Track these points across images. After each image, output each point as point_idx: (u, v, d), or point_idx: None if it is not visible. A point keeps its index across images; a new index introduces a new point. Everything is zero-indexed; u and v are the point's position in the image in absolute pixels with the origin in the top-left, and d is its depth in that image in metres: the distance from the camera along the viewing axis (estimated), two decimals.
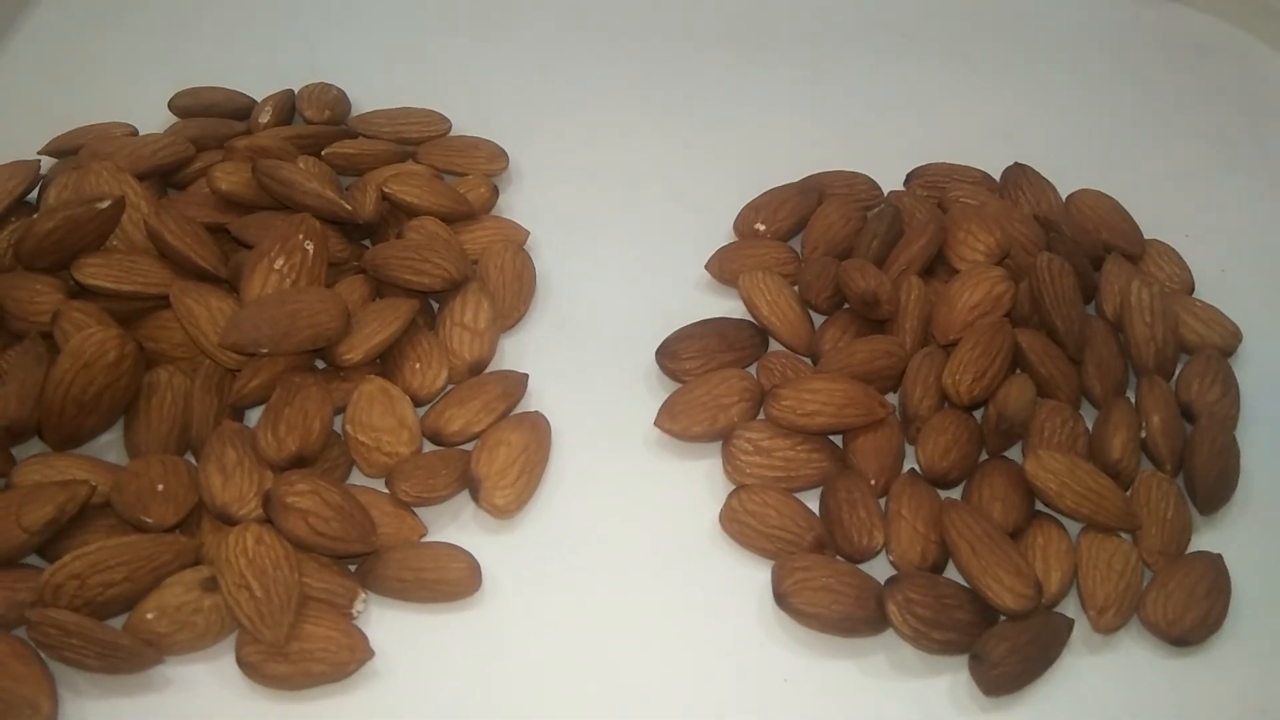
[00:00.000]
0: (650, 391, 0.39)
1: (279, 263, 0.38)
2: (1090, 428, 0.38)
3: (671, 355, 0.39)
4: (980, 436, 0.37)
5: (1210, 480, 0.36)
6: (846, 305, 0.40)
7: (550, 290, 0.42)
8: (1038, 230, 0.41)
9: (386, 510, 0.35)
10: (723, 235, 0.44)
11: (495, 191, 0.44)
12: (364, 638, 0.33)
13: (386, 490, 0.36)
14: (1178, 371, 0.39)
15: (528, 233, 0.43)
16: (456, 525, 0.36)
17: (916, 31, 0.53)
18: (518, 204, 0.45)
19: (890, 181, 0.45)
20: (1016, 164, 0.45)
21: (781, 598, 0.34)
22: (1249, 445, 0.38)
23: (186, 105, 0.46)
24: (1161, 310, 0.39)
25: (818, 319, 0.41)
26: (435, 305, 0.41)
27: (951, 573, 0.35)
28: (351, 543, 0.34)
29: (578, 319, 0.41)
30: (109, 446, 0.37)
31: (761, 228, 0.43)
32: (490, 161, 0.45)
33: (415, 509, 0.36)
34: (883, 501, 0.36)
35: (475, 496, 0.36)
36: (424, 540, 0.35)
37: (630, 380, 0.40)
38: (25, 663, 0.31)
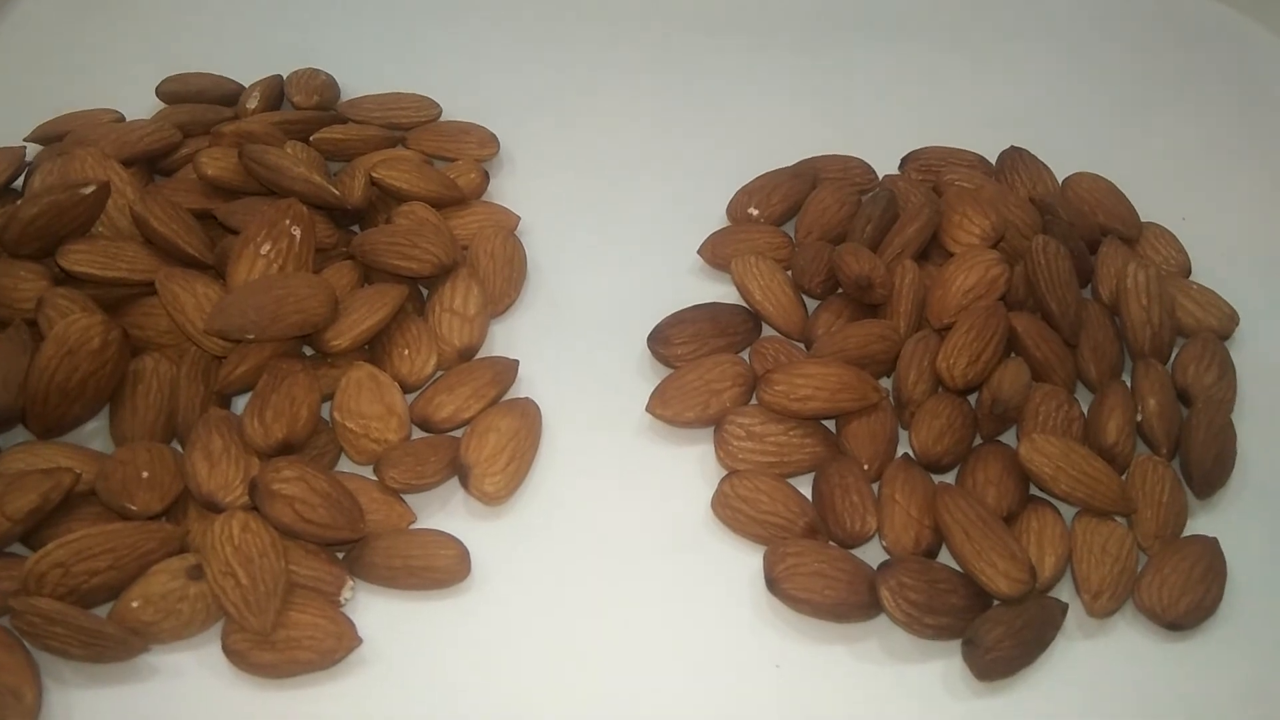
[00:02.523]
0: (642, 377, 0.39)
1: (266, 248, 0.37)
2: (1085, 412, 0.37)
3: (663, 340, 0.39)
4: (974, 421, 0.37)
5: (1206, 464, 0.36)
6: (840, 290, 0.40)
7: (541, 276, 0.42)
8: (1033, 213, 0.41)
9: (375, 497, 0.35)
10: (715, 220, 0.44)
11: (486, 177, 0.44)
12: (352, 625, 0.32)
13: (375, 477, 0.36)
14: (1174, 355, 0.39)
15: (518, 218, 0.43)
16: (446, 512, 0.36)
17: (912, 14, 0.53)
18: (508, 189, 0.45)
19: (885, 165, 0.45)
20: (1012, 147, 0.45)
21: (773, 583, 0.33)
22: (1245, 428, 0.37)
23: (174, 91, 0.46)
24: (1158, 293, 0.39)
25: (811, 304, 0.40)
26: (424, 291, 0.40)
27: (945, 558, 0.34)
28: (339, 530, 0.33)
29: (569, 304, 0.41)
30: (94, 434, 0.37)
31: (755, 212, 0.43)
32: (481, 147, 0.45)
33: (404, 496, 0.35)
34: (876, 487, 0.36)
35: (464, 483, 0.35)
36: (413, 527, 0.35)
37: (622, 366, 0.39)
38: (9, 651, 0.31)
